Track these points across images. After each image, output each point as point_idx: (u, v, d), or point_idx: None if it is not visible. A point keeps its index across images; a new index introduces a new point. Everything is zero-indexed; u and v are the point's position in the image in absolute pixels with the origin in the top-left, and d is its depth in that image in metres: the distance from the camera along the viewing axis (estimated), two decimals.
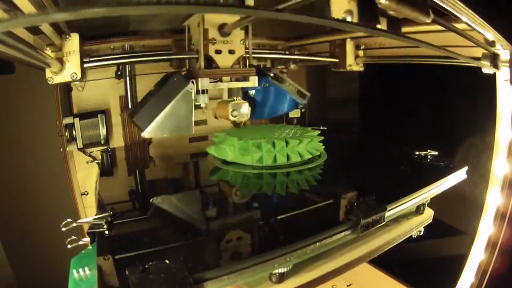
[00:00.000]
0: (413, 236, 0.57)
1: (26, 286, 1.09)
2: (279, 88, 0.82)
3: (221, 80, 0.68)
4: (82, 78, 0.58)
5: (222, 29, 0.65)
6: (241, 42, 0.68)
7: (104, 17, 0.20)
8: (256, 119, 0.97)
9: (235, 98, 0.71)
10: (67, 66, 0.57)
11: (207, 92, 0.68)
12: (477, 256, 0.72)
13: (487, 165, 0.70)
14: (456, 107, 0.97)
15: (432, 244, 0.95)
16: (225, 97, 0.72)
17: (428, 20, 0.42)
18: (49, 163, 1.06)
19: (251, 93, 0.79)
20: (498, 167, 0.68)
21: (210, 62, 0.67)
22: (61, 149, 0.82)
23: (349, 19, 0.40)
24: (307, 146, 0.66)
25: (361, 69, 0.92)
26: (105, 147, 0.84)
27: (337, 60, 0.92)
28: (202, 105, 0.68)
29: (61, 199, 0.97)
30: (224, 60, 0.67)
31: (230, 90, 0.71)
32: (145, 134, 0.63)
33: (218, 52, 0.66)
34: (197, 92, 0.66)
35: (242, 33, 0.68)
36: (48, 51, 0.57)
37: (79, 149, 0.80)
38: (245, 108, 0.71)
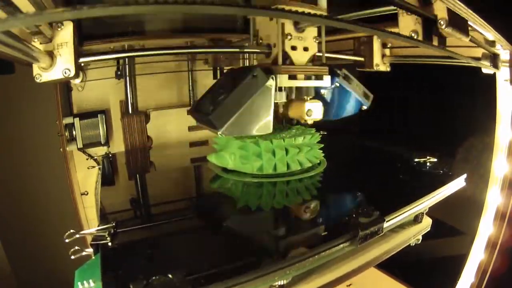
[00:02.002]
0: (411, 245, 0.57)
1: (26, 286, 1.09)
2: (345, 89, 0.76)
3: (295, 78, 0.63)
4: (77, 75, 0.50)
5: (298, 24, 0.61)
6: (314, 39, 0.63)
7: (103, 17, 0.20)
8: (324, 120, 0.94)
9: (305, 97, 0.66)
10: (58, 60, 0.48)
11: (285, 90, 0.63)
12: (477, 256, 0.72)
13: (487, 165, 0.70)
14: (456, 107, 0.97)
15: (432, 244, 0.95)
16: (293, 96, 0.67)
17: (467, 39, 0.49)
18: (49, 163, 1.06)
19: (323, 93, 0.73)
20: (498, 167, 0.68)
21: (283, 59, 0.62)
22: (61, 149, 0.82)
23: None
24: (307, 154, 0.66)
25: (388, 69, 0.84)
26: (105, 147, 0.84)
27: (362, 59, 0.84)
28: (279, 102, 0.64)
29: (61, 199, 0.98)
30: (299, 57, 0.62)
31: (300, 89, 0.66)
32: (223, 131, 0.57)
33: (293, 48, 0.61)
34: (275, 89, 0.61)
35: (315, 30, 0.63)
36: (36, 43, 0.47)
37: (79, 149, 0.80)
38: (320, 109, 0.66)
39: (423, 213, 0.57)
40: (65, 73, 0.48)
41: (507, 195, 0.68)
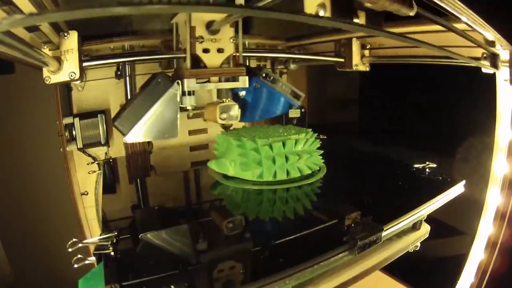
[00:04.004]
0: (410, 251, 0.56)
1: (26, 286, 1.09)
2: (271, 89, 0.78)
3: (209, 81, 0.64)
4: (81, 77, 0.56)
5: (210, 26, 0.61)
6: (231, 40, 0.64)
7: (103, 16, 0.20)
8: (247, 122, 0.92)
9: (224, 99, 0.68)
10: (65, 65, 0.55)
11: (193, 94, 0.64)
12: (477, 256, 0.72)
13: (487, 165, 0.70)
14: (456, 107, 0.97)
15: (432, 244, 0.95)
16: (214, 99, 0.69)
17: (412, 13, 0.40)
18: (49, 163, 1.06)
19: (241, 94, 0.74)
20: (498, 167, 0.68)
21: (198, 62, 0.63)
22: (61, 149, 0.82)
23: (321, 13, 0.38)
24: (307, 161, 0.65)
25: (367, 69, 0.88)
26: (105, 147, 0.84)
27: (342, 60, 0.87)
28: (188, 108, 0.65)
29: (61, 199, 0.98)
30: (212, 60, 0.63)
31: (219, 91, 0.68)
32: (127, 138, 0.60)
33: (205, 51, 0.62)
34: (183, 93, 0.63)
35: (231, 31, 0.64)
36: (46, 49, 0.54)
37: (79, 149, 0.80)
38: (235, 110, 0.67)
39: (421, 220, 0.57)
40: (71, 76, 0.55)
41: (507, 195, 0.68)
